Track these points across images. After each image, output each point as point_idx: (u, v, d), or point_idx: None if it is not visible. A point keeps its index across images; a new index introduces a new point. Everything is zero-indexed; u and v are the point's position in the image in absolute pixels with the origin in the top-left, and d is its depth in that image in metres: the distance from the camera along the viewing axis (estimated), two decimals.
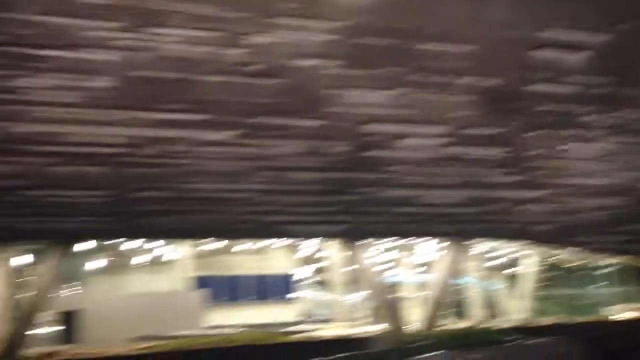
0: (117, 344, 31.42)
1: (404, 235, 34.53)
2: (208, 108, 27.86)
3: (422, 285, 40.96)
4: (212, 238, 34.11)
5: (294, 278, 45.09)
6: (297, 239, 36.87)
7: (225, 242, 37.51)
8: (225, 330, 36.02)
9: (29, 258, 33.81)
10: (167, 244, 37.44)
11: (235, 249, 40.44)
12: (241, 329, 36.30)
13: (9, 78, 25.31)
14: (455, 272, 36.52)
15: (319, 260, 45.22)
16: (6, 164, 26.02)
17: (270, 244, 39.68)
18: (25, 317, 28.49)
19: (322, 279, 46.70)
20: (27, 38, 25.10)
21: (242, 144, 28.19)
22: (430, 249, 39.15)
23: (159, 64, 26.40)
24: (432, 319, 34.62)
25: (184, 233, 30.30)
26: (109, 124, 26.49)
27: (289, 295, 44.60)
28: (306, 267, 46.08)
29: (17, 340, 28.02)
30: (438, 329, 33.92)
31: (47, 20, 24.70)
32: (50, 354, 29.44)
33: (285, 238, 35.66)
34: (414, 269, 45.35)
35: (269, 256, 43.12)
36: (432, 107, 27.52)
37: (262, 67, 26.77)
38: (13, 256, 31.30)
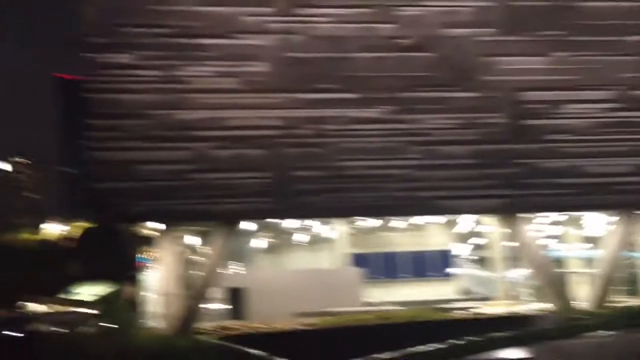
0: (280, 320, 32.50)
1: (568, 208, 32.83)
2: (360, 85, 28.05)
3: (591, 261, 38.86)
4: (368, 215, 34.38)
5: (452, 255, 44.37)
6: (454, 215, 36.22)
7: (380, 219, 37.65)
8: (384, 307, 36.17)
9: (198, 238, 35.81)
10: (325, 223, 38.20)
11: (391, 225, 40.44)
12: (399, 306, 36.26)
13: (174, 68, 26.94)
14: (627, 246, 34.28)
15: (477, 236, 44.18)
16: (173, 149, 27.75)
17: (427, 220, 39.23)
18: (197, 294, 30.28)
19: (482, 256, 45.60)
20: (188, 29, 26.55)
21: (395, 119, 28.10)
22: (598, 222, 36.98)
23: (312, 45, 26.93)
24: (602, 296, 32.74)
25: (340, 211, 30.78)
26: (267, 107, 27.48)
27: (446, 272, 44.01)
28: (464, 243, 45.16)
29: (190, 315, 29.87)
30: (609, 306, 32.06)
31: (206, 10, 25.98)
32: (220, 329, 31.05)
33: (441, 214, 35.15)
34: (581, 244, 43.09)
35: (426, 232, 42.69)
36: (596, 69, 25.83)
37: (413, 40, 26.44)
38: (184, 236, 33.31)
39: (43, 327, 39.16)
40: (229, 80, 27.30)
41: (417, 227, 41.01)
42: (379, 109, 28.07)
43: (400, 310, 35.19)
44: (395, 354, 25.49)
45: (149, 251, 33.85)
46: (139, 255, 35.18)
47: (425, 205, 30.35)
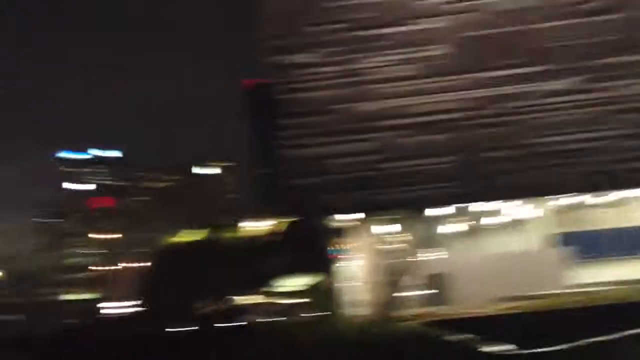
0: (481, 305, 31.83)
1: None
2: (547, 56, 26.61)
3: None
4: (568, 193, 32.62)
5: None
6: None
7: (582, 196, 35.50)
8: (591, 289, 34.17)
9: (392, 226, 36.05)
10: (520, 203, 36.79)
11: (595, 202, 37.92)
12: (608, 287, 34.09)
13: (353, 61, 27.38)
14: None
15: None
16: (361, 141, 28.22)
17: (636, 194, 36.20)
18: (395, 281, 30.58)
19: None
20: (365, 21, 26.78)
21: (590, 89, 26.34)
22: None
23: (492, 21, 26.00)
24: None
25: (537, 190, 29.51)
26: (450, 89, 27.04)
27: None
28: None
29: (390, 302, 30.21)
30: None
31: (380, 0, 25.99)
32: (421, 315, 31.07)
33: None
34: None
35: (635, 207, 39.54)
36: None
37: (600, 3, 24.61)
38: (378, 226, 33.73)
39: (251, 318, 41.63)
40: (409, 67, 27.29)
41: (623, 202, 38.12)
42: (571, 80, 26.48)
43: (610, 290, 33.02)
44: (608, 337, 23.96)
45: (343, 242, 34.69)
46: (334, 247, 36.14)
47: (633, 178, 28.21)
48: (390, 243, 34.84)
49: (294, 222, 38.62)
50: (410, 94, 27.56)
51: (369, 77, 27.58)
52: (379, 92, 27.84)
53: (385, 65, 27.21)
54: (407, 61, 26.98)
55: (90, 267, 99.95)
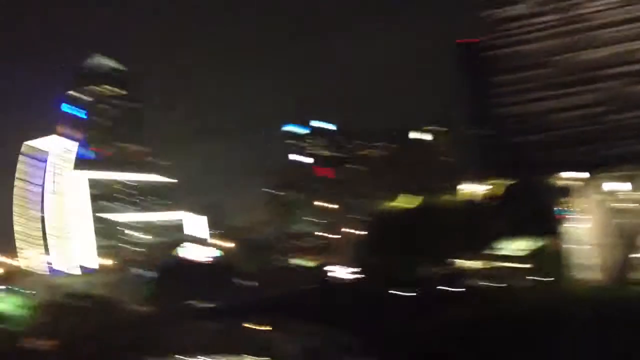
0: None
1: None
2: None
3: None
4: None
5: None
6: None
7: None
8: None
9: (624, 184, 33.41)
10: None
11: None
12: None
13: (570, 8, 25.59)
14: None
15: None
16: (583, 93, 26.57)
17: None
18: (627, 242, 28.47)
19: None
20: None
21: None
22: None
23: None
24: None
25: None
26: None
27: None
28: None
29: (624, 265, 28.25)
30: None
31: None
32: None
33: None
34: None
35: None
36: None
37: None
38: (607, 183, 31.50)
39: (474, 282, 41.05)
40: (634, 7, 24.94)
41: None
42: None
43: None
44: None
45: (568, 202, 32.95)
46: (559, 207, 34.42)
47: None
48: (623, 201, 32.44)
49: (515, 182, 37.28)
50: (637, 37, 25.30)
51: (589, 23, 25.71)
52: (602, 38, 25.87)
53: (608, 9, 25.15)
54: (632, 1, 24.70)
55: (316, 234, 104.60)
